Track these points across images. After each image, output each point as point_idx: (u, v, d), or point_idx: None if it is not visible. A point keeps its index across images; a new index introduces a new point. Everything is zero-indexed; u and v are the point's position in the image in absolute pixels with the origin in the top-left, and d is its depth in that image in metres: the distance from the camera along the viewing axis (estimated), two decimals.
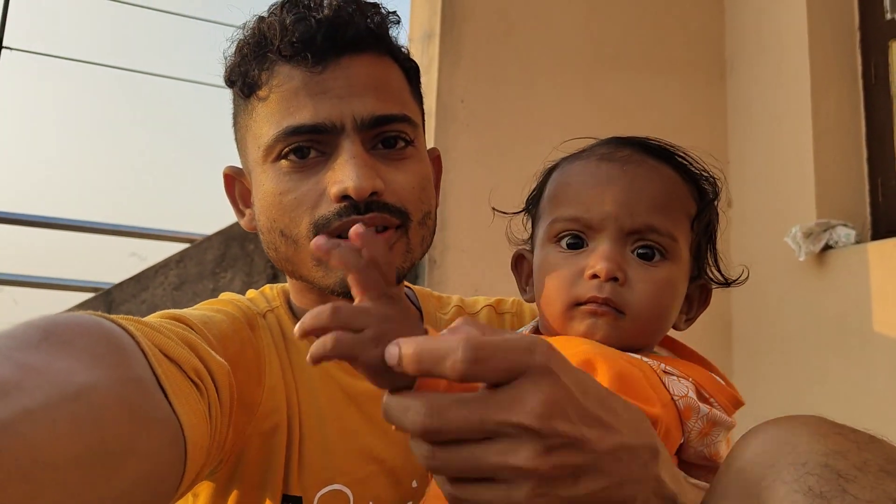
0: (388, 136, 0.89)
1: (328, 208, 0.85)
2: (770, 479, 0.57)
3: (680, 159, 0.84)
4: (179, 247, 3.43)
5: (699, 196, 0.84)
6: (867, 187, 2.84)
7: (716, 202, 0.85)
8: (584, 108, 3.06)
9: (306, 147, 0.86)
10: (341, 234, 0.84)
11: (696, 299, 0.87)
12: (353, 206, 0.85)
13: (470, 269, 2.74)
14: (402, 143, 0.90)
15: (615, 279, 0.76)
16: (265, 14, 0.90)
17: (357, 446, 0.89)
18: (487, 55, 3.03)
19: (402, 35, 0.95)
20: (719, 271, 0.87)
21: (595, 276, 0.76)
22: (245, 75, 0.88)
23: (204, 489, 0.88)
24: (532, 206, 0.90)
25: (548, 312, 0.81)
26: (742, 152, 3.23)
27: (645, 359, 0.75)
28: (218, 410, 0.73)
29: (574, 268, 0.78)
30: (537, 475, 0.52)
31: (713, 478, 0.77)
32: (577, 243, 0.80)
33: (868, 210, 2.83)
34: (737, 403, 0.77)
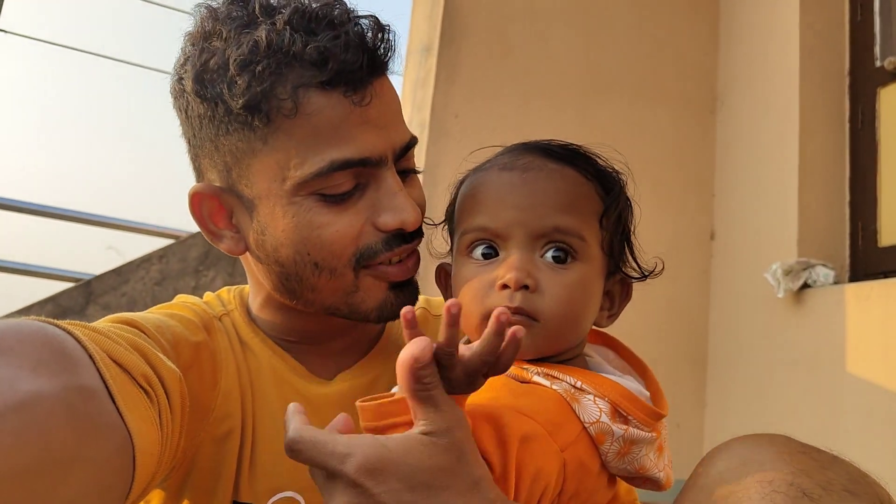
0: (409, 166, 0.91)
1: (374, 238, 0.84)
2: (737, 495, 0.58)
3: (581, 159, 0.84)
4: (158, 243, 3.41)
5: (605, 192, 0.84)
6: (848, 230, 2.89)
7: (623, 196, 0.85)
8: (575, 132, 3.07)
9: (350, 181, 0.83)
10: (383, 263, 0.86)
11: (618, 294, 0.87)
12: (402, 235, 0.85)
13: None
14: (411, 160, 0.91)
15: (526, 287, 0.75)
16: (263, 20, 0.80)
17: None
18: (484, 73, 3.06)
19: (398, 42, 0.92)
20: (637, 264, 0.87)
21: (506, 286, 0.76)
22: (268, 101, 0.79)
23: (155, 496, 0.87)
24: (449, 218, 0.90)
25: (465, 325, 0.80)
26: (728, 186, 3.27)
27: (555, 384, 0.74)
28: (168, 417, 0.71)
29: (485, 279, 0.78)
30: None
31: (649, 485, 0.79)
32: (490, 253, 0.79)
33: (847, 252, 2.87)
34: (657, 416, 0.76)
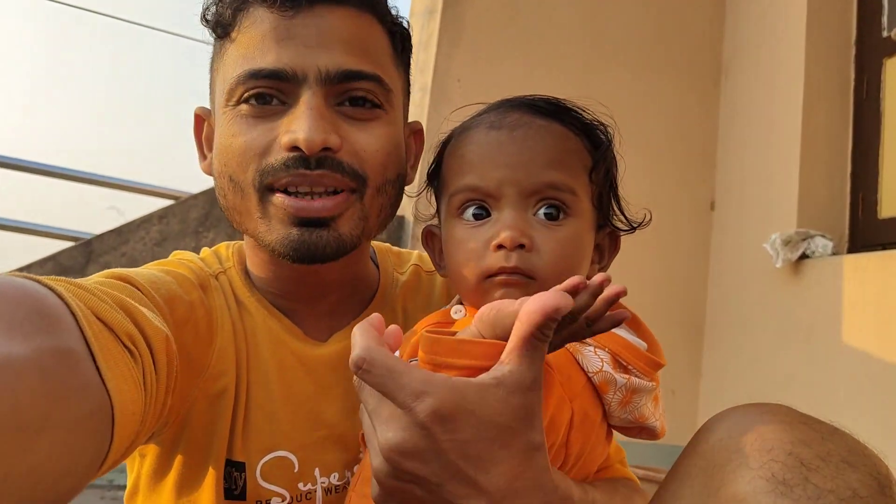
0: (356, 94, 0.84)
1: (276, 157, 0.81)
2: (735, 463, 0.59)
3: (568, 114, 0.83)
4: (158, 203, 3.40)
5: (593, 147, 0.83)
6: (848, 201, 2.89)
7: (611, 149, 0.85)
8: (578, 100, 3.07)
9: (268, 94, 0.82)
10: (287, 188, 0.82)
11: (607, 247, 0.87)
12: (303, 159, 0.81)
13: None
14: (369, 104, 0.86)
15: (521, 246, 0.75)
16: None
17: (305, 412, 0.88)
18: (488, 38, 3.03)
19: (401, 4, 0.92)
20: (624, 217, 0.87)
21: (501, 246, 0.75)
22: (219, 15, 0.86)
23: (151, 450, 0.88)
24: (433, 180, 0.89)
25: (461, 288, 0.80)
26: (730, 157, 3.26)
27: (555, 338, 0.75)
28: (153, 377, 0.70)
29: (480, 240, 0.77)
30: (383, 487, 0.62)
31: (645, 434, 0.80)
32: (481, 213, 0.79)
33: (847, 223, 2.87)
34: (656, 366, 0.77)
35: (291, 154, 0.81)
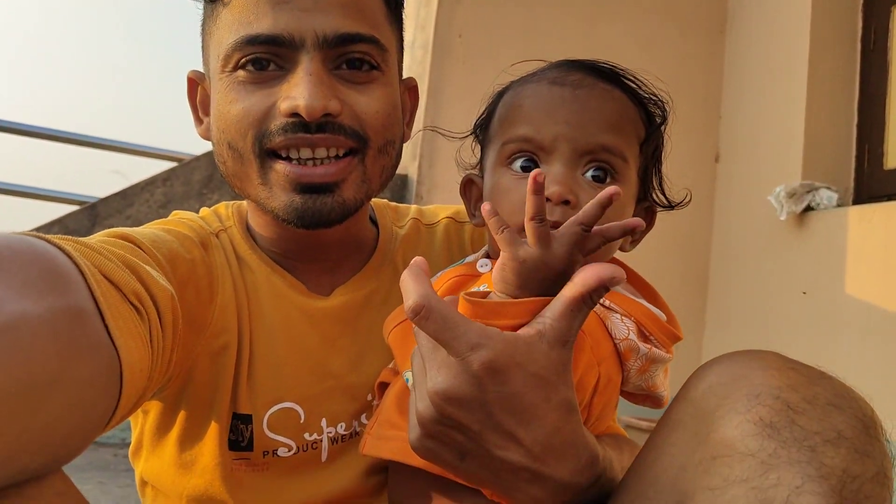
0: (353, 57, 0.84)
1: (276, 122, 0.82)
2: (724, 408, 0.60)
3: (630, 83, 0.84)
4: (163, 166, 3.40)
5: (648, 120, 0.84)
6: (854, 152, 2.87)
7: (663, 127, 0.85)
8: (582, 50, 3.02)
9: (265, 59, 0.82)
10: (287, 153, 0.82)
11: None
12: (303, 124, 0.81)
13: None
14: (367, 66, 0.85)
15: (567, 202, 0.76)
16: None
17: (310, 364, 0.90)
18: None
19: None
20: (664, 194, 0.88)
21: (547, 199, 0.75)
22: None
23: (153, 407, 0.89)
24: (481, 130, 0.89)
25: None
26: (735, 107, 3.23)
27: None
28: (160, 334, 0.71)
29: (525, 191, 0.75)
30: (425, 430, 0.65)
31: (650, 403, 0.82)
32: (530, 166, 0.79)
33: (852, 175, 2.86)
34: (674, 338, 0.79)
35: (291, 119, 0.81)
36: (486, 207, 0.69)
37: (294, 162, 0.83)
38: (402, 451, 0.74)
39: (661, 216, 0.89)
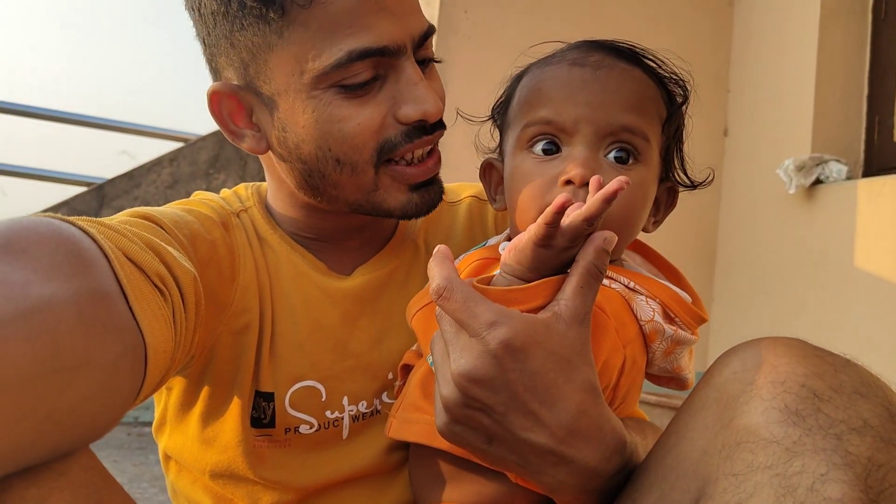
0: (428, 52, 0.87)
1: (394, 131, 0.83)
2: (748, 395, 0.60)
3: (650, 63, 0.83)
4: (171, 146, 3.41)
5: (669, 99, 0.83)
6: (864, 124, 2.84)
7: (684, 106, 0.85)
8: (590, 25, 3.01)
9: (374, 73, 0.81)
10: (405, 158, 0.85)
11: (664, 202, 0.87)
12: (423, 127, 0.83)
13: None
14: (431, 55, 0.88)
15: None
16: None
17: (331, 343, 0.90)
18: None
19: None
20: (686, 174, 0.88)
21: (569, 181, 0.75)
22: None
23: (177, 383, 0.90)
24: (500, 113, 0.89)
25: (520, 221, 0.79)
26: (743, 81, 3.20)
27: (613, 284, 0.76)
28: (182, 315, 0.72)
29: (547, 174, 0.77)
30: (451, 415, 0.66)
31: (674, 385, 0.82)
32: (551, 149, 0.79)
33: (862, 147, 2.84)
34: (700, 320, 0.78)
35: (413, 125, 0.83)
36: (559, 200, 0.67)
37: (404, 163, 0.86)
38: (427, 434, 0.75)
39: None
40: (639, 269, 0.84)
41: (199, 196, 0.95)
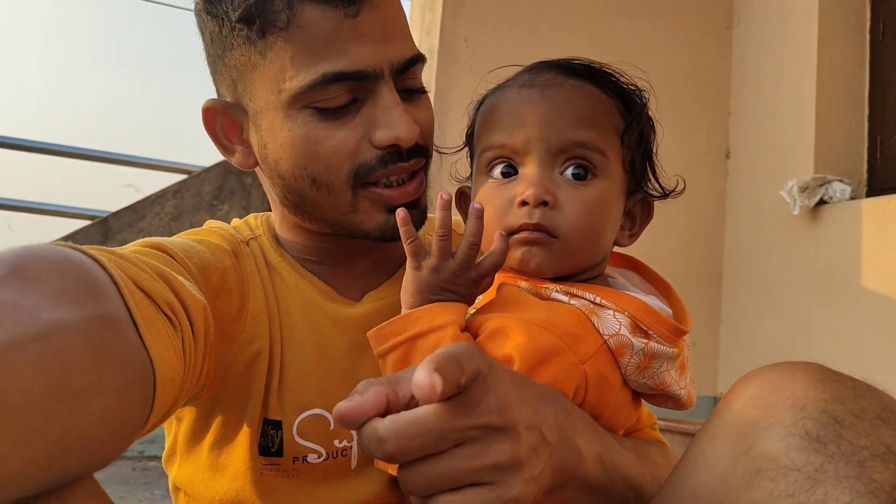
0: (412, 81, 0.88)
1: (369, 154, 0.84)
2: (767, 421, 0.59)
3: (602, 76, 0.82)
4: (176, 178, 3.42)
5: (626, 110, 0.82)
6: (866, 144, 2.85)
7: (645, 114, 0.84)
8: (588, 52, 3.02)
9: (353, 97, 0.83)
10: (386, 181, 0.85)
11: (640, 214, 0.86)
12: (398, 153, 0.84)
13: None
14: (418, 82, 0.89)
15: (545, 203, 0.76)
16: None
17: (339, 371, 0.90)
18: None
19: None
20: (658, 183, 0.87)
21: (524, 202, 0.76)
22: (263, 13, 0.81)
23: (187, 413, 0.90)
24: (469, 141, 0.90)
25: (485, 245, 0.79)
26: (743, 103, 3.22)
27: (573, 300, 0.76)
28: (192, 344, 0.72)
29: (505, 197, 0.78)
30: (520, 464, 0.57)
31: (671, 404, 0.80)
32: (509, 171, 0.79)
33: (865, 167, 2.84)
34: (679, 332, 0.76)
35: (387, 150, 0.84)
36: (399, 214, 0.75)
37: (384, 186, 0.86)
38: None
39: (675, 212, 0.88)
40: (627, 286, 0.83)
41: (210, 225, 0.96)
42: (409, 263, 0.75)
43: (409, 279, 0.75)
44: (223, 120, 0.91)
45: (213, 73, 0.91)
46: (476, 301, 0.79)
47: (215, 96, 0.93)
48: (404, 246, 0.75)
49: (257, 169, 0.93)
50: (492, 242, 0.77)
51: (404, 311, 0.75)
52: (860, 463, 0.54)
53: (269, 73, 0.83)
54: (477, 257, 0.74)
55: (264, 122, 0.86)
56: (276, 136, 0.85)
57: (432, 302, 0.73)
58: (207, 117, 0.91)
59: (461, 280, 0.74)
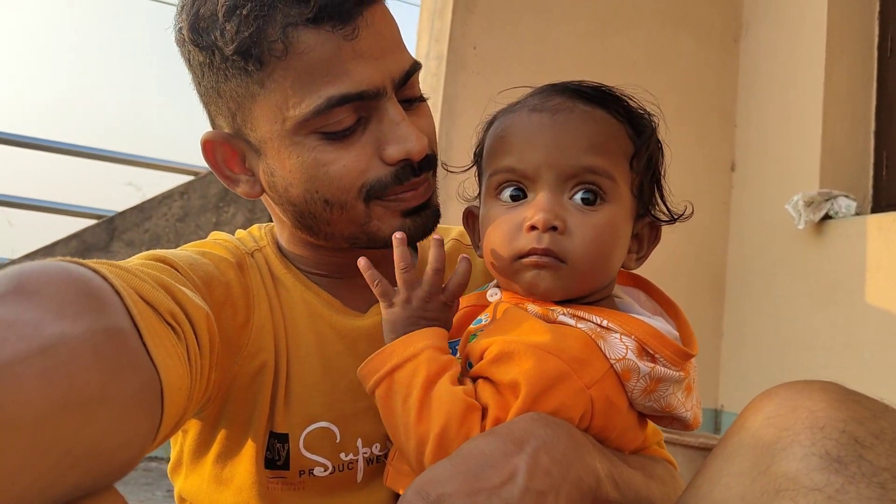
0: (412, 90, 0.87)
1: (382, 171, 0.84)
2: (786, 440, 0.58)
3: (612, 100, 0.82)
4: (176, 179, 3.43)
5: (636, 134, 0.82)
6: (872, 159, 2.84)
7: (654, 138, 0.84)
8: (596, 61, 3.03)
9: (359, 117, 0.82)
10: (396, 195, 0.86)
11: (647, 237, 0.87)
12: (410, 167, 0.84)
13: None
14: (417, 90, 0.89)
15: (554, 228, 0.76)
16: None
17: (345, 383, 0.89)
18: (503, 2, 3.00)
19: None
20: (666, 207, 0.87)
21: (534, 227, 0.76)
22: (258, 44, 0.79)
23: (193, 426, 0.90)
24: (477, 160, 0.90)
25: (493, 268, 0.81)
26: (750, 116, 3.22)
27: (580, 324, 0.76)
28: (197, 353, 0.72)
29: (514, 221, 0.78)
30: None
31: (677, 425, 0.80)
32: (518, 195, 0.80)
33: (871, 182, 2.83)
34: (685, 356, 0.77)
35: (399, 166, 0.84)
36: (361, 262, 0.81)
37: (402, 193, 0.87)
38: None
39: (678, 223, 0.88)
40: (634, 306, 0.83)
41: (215, 237, 0.96)
42: (381, 305, 0.80)
43: (384, 319, 0.80)
44: (223, 151, 0.89)
45: (206, 103, 0.89)
46: (480, 323, 0.80)
47: (209, 124, 0.91)
48: (372, 289, 0.80)
49: (263, 197, 0.91)
50: (498, 265, 0.80)
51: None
52: (881, 484, 0.54)
53: (270, 102, 0.82)
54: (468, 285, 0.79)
55: (269, 150, 0.85)
56: (283, 163, 0.84)
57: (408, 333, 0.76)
58: (207, 150, 0.89)
59: (431, 305, 0.79)
